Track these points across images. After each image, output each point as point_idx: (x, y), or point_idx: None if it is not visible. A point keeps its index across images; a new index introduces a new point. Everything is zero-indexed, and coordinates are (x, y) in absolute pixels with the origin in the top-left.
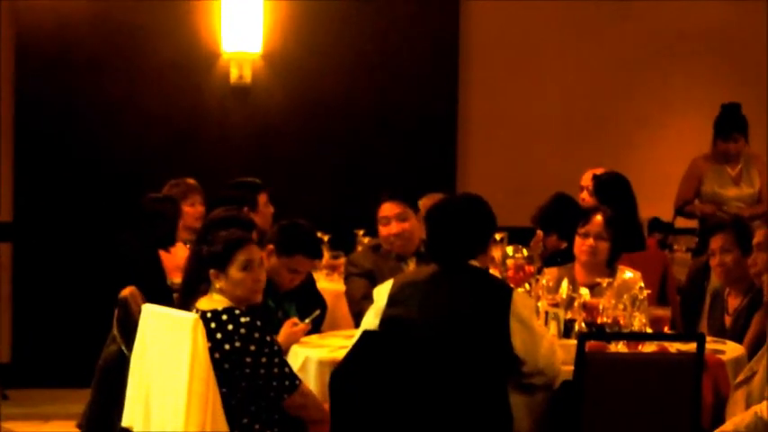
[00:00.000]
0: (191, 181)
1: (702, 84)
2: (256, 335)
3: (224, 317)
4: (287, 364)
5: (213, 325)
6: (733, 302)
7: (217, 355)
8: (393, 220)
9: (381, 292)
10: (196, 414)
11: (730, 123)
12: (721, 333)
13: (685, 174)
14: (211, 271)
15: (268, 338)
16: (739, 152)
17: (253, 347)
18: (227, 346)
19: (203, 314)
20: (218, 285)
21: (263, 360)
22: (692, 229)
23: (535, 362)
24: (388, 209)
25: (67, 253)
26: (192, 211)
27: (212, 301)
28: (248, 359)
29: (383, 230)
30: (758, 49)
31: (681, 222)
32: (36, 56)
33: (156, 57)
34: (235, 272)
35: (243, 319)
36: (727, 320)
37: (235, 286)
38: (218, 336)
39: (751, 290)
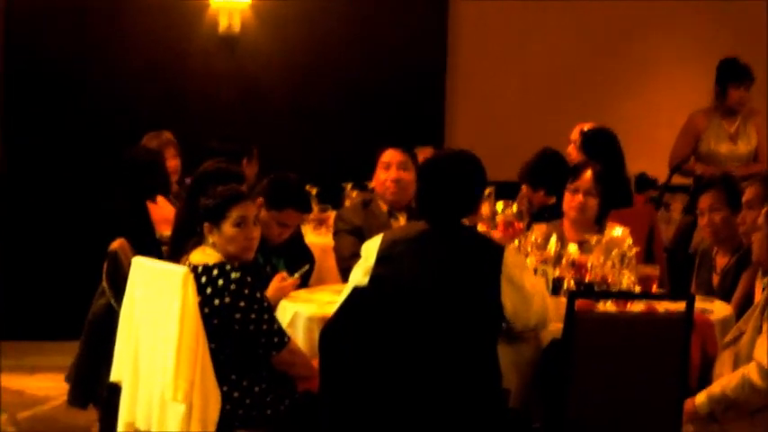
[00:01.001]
0: (167, 134)
1: (691, 38)
2: (246, 291)
3: (215, 272)
4: (276, 321)
5: (204, 279)
6: (721, 261)
7: (206, 310)
8: (394, 166)
9: (370, 249)
10: (185, 368)
11: (740, 69)
12: (709, 292)
13: (682, 130)
14: (205, 225)
15: (258, 295)
16: (747, 102)
17: (242, 304)
18: (216, 302)
19: (194, 268)
20: (211, 240)
21: (253, 316)
22: (685, 187)
23: (527, 321)
24: (391, 155)
25: (57, 205)
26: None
27: (204, 255)
28: (237, 315)
29: (381, 174)
30: (751, 3)
31: (675, 179)
32: (25, 7)
33: (145, 5)
34: (228, 227)
35: (234, 275)
36: (715, 279)
37: (227, 242)
38: (209, 290)
39: (739, 249)
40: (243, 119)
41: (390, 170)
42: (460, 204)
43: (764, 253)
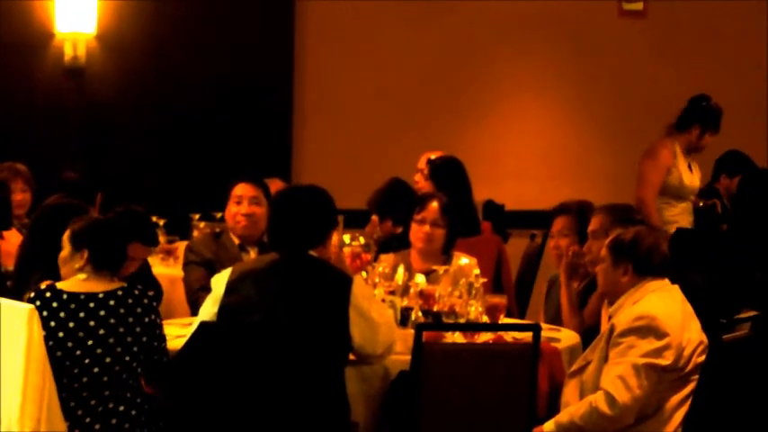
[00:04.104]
0: (18, 166)
1: (540, 64)
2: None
3: (136, 291)
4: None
5: (130, 300)
6: None
7: (138, 329)
8: (246, 200)
9: (219, 281)
10: (32, 405)
11: (719, 119)
12: (557, 319)
13: (653, 163)
14: None
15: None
16: None
17: (159, 321)
18: (146, 319)
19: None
20: None
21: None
22: (526, 212)
23: (374, 351)
24: (243, 188)
25: None
26: (13, 198)
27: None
28: (158, 331)
29: (233, 208)
30: (591, 31)
31: (511, 206)
32: None
33: None
34: None
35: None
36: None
37: None
38: (139, 310)
39: (587, 275)
40: (90, 150)
41: (242, 204)
42: (309, 236)
43: (609, 284)
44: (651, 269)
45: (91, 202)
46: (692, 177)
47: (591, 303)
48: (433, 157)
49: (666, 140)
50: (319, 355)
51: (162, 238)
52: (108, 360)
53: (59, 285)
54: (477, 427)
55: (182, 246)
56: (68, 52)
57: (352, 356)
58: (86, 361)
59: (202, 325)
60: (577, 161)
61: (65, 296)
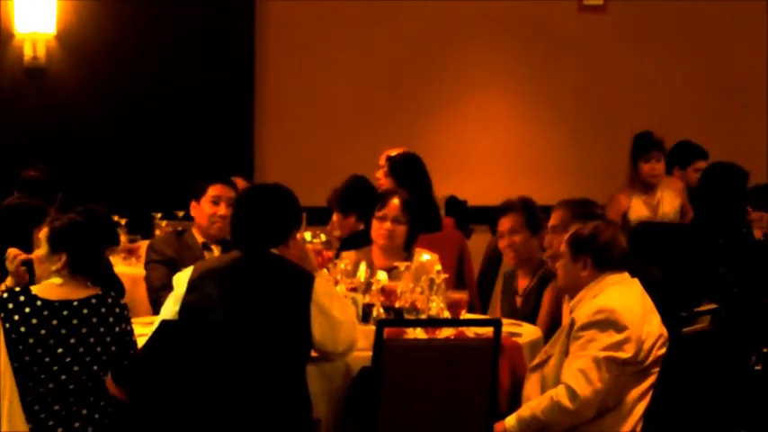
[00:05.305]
0: None
1: (499, 65)
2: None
3: (109, 300)
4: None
5: (103, 309)
6: (522, 283)
7: (108, 339)
8: (224, 201)
9: (181, 279)
10: None
11: (646, 143)
12: (513, 314)
13: (607, 211)
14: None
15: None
16: (661, 173)
17: (129, 328)
18: (117, 329)
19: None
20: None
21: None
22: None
23: (335, 348)
24: (221, 189)
25: None
26: None
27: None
28: (128, 339)
29: (208, 208)
30: (551, 26)
31: (474, 202)
32: None
33: None
34: None
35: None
36: (518, 301)
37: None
38: (111, 319)
39: (539, 269)
40: (50, 150)
41: (220, 206)
42: (272, 235)
43: (568, 279)
44: (610, 263)
45: (51, 201)
46: (650, 215)
47: (546, 304)
48: (392, 153)
49: (622, 191)
50: (281, 353)
51: (123, 238)
52: (76, 369)
53: (34, 290)
54: (439, 423)
55: (143, 245)
56: (28, 52)
57: (314, 354)
58: (54, 368)
59: (164, 323)
60: (539, 156)
61: (39, 302)
